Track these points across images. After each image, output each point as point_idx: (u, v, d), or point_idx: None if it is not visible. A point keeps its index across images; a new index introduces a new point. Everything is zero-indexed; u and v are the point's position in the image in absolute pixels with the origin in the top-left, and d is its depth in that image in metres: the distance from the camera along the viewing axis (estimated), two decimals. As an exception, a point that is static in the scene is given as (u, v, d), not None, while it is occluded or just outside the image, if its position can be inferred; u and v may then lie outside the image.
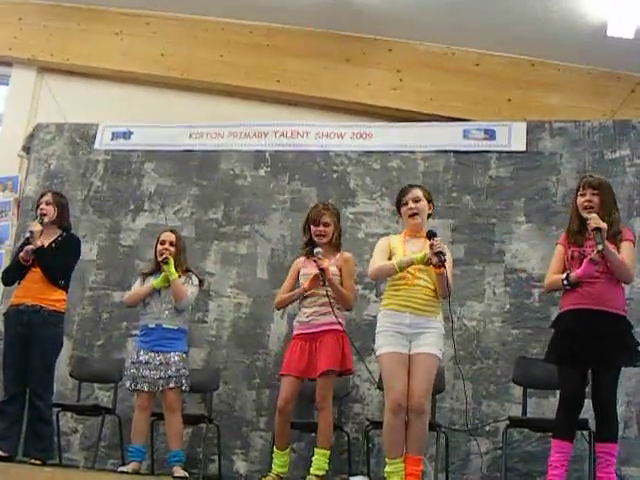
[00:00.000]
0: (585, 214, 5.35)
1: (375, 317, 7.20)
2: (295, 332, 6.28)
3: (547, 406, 6.77)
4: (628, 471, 6.50)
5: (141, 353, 6.71)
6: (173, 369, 6.60)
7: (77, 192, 8.48)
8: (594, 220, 5.18)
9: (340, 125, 8.33)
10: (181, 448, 6.67)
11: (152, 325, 6.74)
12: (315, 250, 6.07)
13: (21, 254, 6.60)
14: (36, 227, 6.63)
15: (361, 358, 6.52)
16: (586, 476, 6.19)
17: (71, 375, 7.61)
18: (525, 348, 7.07)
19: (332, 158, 8.12)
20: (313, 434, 6.98)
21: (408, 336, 5.37)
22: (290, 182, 8.13)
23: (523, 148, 7.72)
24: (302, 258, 6.45)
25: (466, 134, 7.93)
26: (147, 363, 6.63)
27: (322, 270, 5.99)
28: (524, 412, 6.52)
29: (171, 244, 6.89)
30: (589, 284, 5.25)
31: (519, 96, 8.41)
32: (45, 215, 6.72)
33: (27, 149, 8.93)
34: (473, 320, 7.31)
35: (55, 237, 6.75)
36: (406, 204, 5.63)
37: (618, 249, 5.26)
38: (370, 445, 6.86)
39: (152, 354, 6.65)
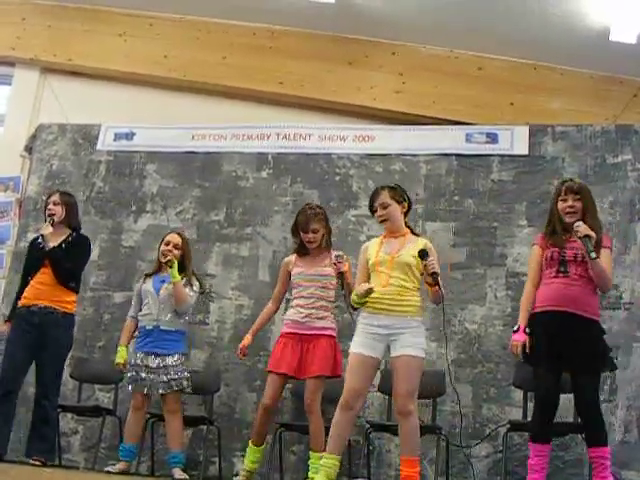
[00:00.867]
0: (567, 219, 5.37)
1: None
2: (286, 330, 6.29)
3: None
4: (628, 475, 6.49)
5: (140, 355, 6.72)
6: (172, 372, 6.61)
7: (79, 193, 8.45)
8: (583, 228, 5.19)
9: (342, 128, 8.33)
10: (181, 450, 6.68)
11: (150, 327, 6.75)
12: (335, 254, 6.11)
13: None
14: (47, 230, 6.62)
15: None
16: (586, 480, 6.21)
17: (72, 376, 7.59)
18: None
19: (334, 161, 8.12)
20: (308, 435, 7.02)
21: (382, 337, 5.33)
22: (292, 184, 8.13)
23: (525, 152, 7.72)
24: (291, 258, 6.49)
25: (468, 137, 7.93)
26: (146, 366, 6.65)
27: (341, 273, 6.01)
28: (524, 416, 6.52)
29: (175, 246, 6.89)
30: (566, 286, 5.27)
31: (521, 100, 8.42)
32: (54, 215, 6.70)
33: (29, 149, 8.93)
34: (474, 323, 7.32)
35: (65, 237, 6.71)
36: (376, 211, 5.62)
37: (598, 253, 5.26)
38: (371, 448, 6.86)
39: (151, 357, 6.67)
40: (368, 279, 5.51)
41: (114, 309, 7.96)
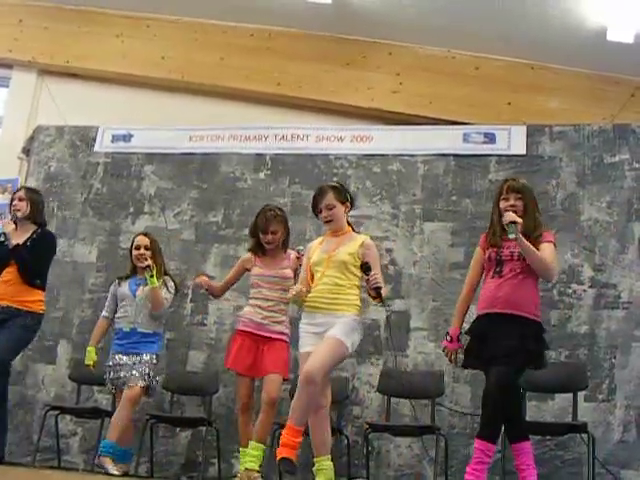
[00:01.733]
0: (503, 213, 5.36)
1: (374, 320, 7.28)
2: (242, 328, 6.31)
3: (546, 409, 6.79)
4: (627, 474, 6.50)
5: (116, 357, 6.70)
6: (143, 368, 6.59)
7: (77, 195, 8.48)
8: (510, 215, 5.16)
9: (340, 128, 8.34)
10: (116, 442, 6.41)
11: (127, 329, 6.73)
12: (298, 249, 6.14)
13: None
14: (9, 227, 6.63)
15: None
16: (584, 479, 6.20)
17: (70, 378, 7.60)
18: (524, 352, 7.08)
19: (332, 161, 8.12)
20: (309, 436, 7.02)
21: (319, 335, 5.27)
22: (290, 185, 8.13)
23: (523, 152, 7.72)
24: (250, 256, 6.49)
25: (466, 138, 7.94)
26: (122, 365, 6.63)
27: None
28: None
29: (146, 248, 6.87)
30: (498, 287, 5.25)
31: (519, 100, 8.42)
32: (18, 211, 6.71)
33: (27, 151, 8.93)
34: (472, 324, 7.31)
35: (30, 234, 6.70)
36: (321, 212, 5.54)
37: (538, 250, 5.24)
38: (370, 448, 6.85)
39: (126, 357, 6.65)
40: (312, 279, 5.49)
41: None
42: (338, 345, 5.16)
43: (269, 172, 8.23)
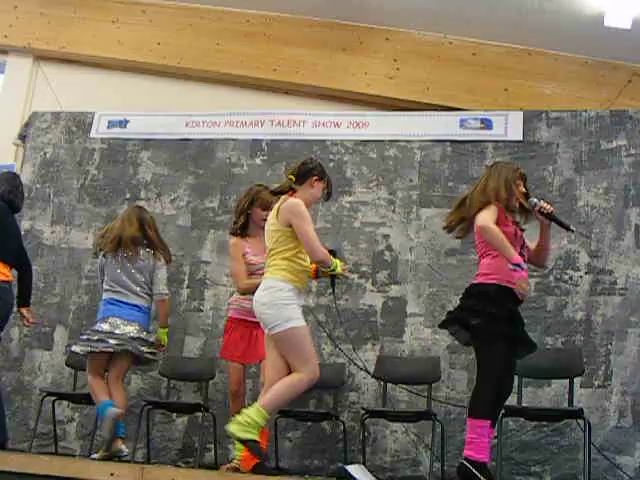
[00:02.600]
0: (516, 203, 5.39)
1: (371, 306, 7.28)
2: (235, 315, 6.37)
3: (542, 395, 6.80)
4: (623, 460, 6.52)
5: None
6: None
7: (73, 181, 8.47)
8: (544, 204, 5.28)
9: (336, 114, 8.33)
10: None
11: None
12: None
13: None
14: None
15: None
16: (580, 465, 6.20)
17: (67, 364, 7.60)
18: (521, 337, 7.08)
19: (328, 147, 8.12)
20: (309, 423, 7.03)
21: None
22: (287, 171, 8.11)
23: (520, 138, 7.73)
24: (238, 240, 6.46)
25: (463, 123, 7.94)
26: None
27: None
28: (519, 401, 6.52)
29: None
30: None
31: (516, 85, 8.39)
32: None
33: (23, 137, 8.92)
34: (469, 309, 7.32)
35: None
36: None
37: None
38: (366, 434, 6.87)
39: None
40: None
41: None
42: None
43: (265, 158, 8.23)
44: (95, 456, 6.45)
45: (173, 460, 7.29)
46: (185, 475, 5.85)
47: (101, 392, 6.48)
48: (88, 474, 5.33)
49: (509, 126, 7.80)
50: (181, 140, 8.46)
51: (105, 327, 6.55)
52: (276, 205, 5.50)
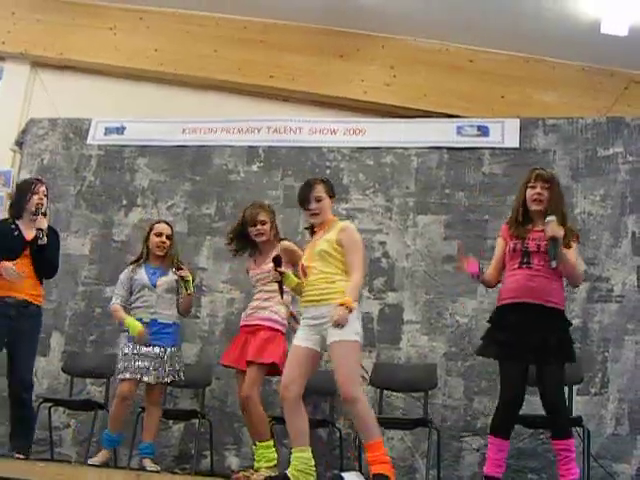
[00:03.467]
0: (533, 206, 5.32)
1: (367, 313, 7.27)
2: (240, 323, 6.38)
3: (538, 403, 6.76)
4: (619, 468, 6.52)
5: (133, 346, 6.60)
6: (169, 364, 6.58)
7: (70, 187, 8.47)
8: (552, 227, 5.11)
9: (333, 121, 8.35)
10: (153, 441, 6.59)
11: (147, 320, 6.64)
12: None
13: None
14: (44, 224, 6.48)
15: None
16: (579, 473, 6.19)
17: (63, 370, 7.60)
18: (517, 345, 7.08)
19: (325, 154, 8.13)
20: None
21: (316, 327, 5.21)
22: (283, 177, 8.13)
23: (516, 145, 7.74)
24: (248, 262, 6.50)
25: (459, 130, 7.95)
26: (142, 354, 6.53)
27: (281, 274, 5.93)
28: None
29: (168, 237, 6.86)
30: (530, 278, 5.20)
31: (513, 93, 8.41)
32: (42, 206, 6.59)
33: (20, 144, 8.92)
34: (465, 317, 7.32)
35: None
36: (309, 202, 5.48)
37: (568, 246, 5.23)
38: (362, 441, 6.86)
39: (146, 347, 6.57)
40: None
41: (105, 303, 7.88)
42: (348, 347, 5.12)
43: (262, 164, 8.24)
44: (92, 461, 6.46)
45: (169, 467, 7.27)
46: (181, 482, 5.86)
47: None
48: (84, 480, 5.34)
49: (506, 133, 7.80)
50: (178, 147, 8.47)
51: None
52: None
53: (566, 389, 6.33)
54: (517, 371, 5.19)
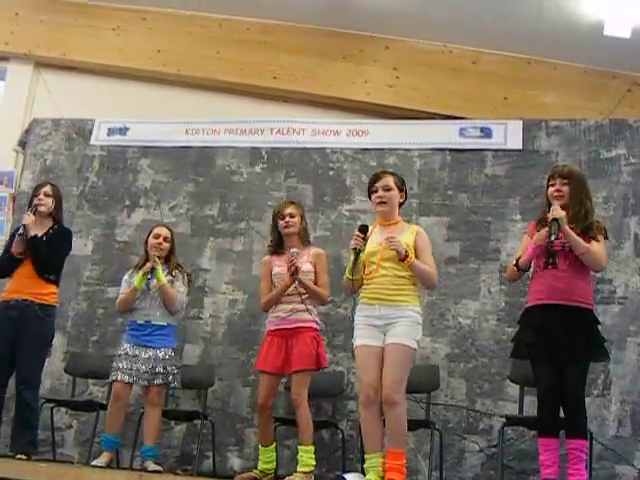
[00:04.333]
0: (555, 202, 5.33)
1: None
2: (271, 327, 6.26)
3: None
4: (622, 469, 6.51)
5: (129, 347, 6.65)
6: (161, 366, 6.58)
7: (73, 187, 8.47)
8: (555, 209, 5.17)
9: (336, 122, 8.34)
10: (154, 444, 6.60)
11: (141, 321, 6.69)
12: (291, 250, 6.10)
13: (13, 246, 6.55)
14: (29, 219, 6.54)
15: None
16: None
17: (66, 371, 7.60)
18: (520, 346, 7.08)
19: (328, 155, 8.13)
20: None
21: (380, 328, 5.25)
22: (286, 179, 8.13)
23: (519, 146, 7.73)
24: (268, 257, 6.45)
25: (462, 132, 7.94)
26: (135, 356, 6.58)
27: (296, 269, 6.01)
28: (520, 410, 6.52)
29: (165, 239, 6.85)
30: (556, 279, 5.21)
31: (515, 94, 8.41)
32: (43, 206, 6.64)
33: (23, 144, 8.92)
34: (468, 318, 7.32)
35: (47, 229, 6.66)
36: (376, 191, 5.52)
37: (589, 240, 5.22)
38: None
39: (141, 348, 6.61)
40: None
41: (108, 304, 7.92)
42: (406, 353, 5.20)
43: (265, 166, 8.24)
44: (96, 462, 6.46)
45: (171, 467, 7.27)
46: (183, 483, 5.86)
47: None
48: (86, 481, 5.33)
49: (508, 135, 7.80)
50: (181, 147, 8.47)
51: None
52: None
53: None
54: (548, 369, 5.22)
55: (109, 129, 8.72)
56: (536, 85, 8.40)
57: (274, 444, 6.26)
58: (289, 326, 6.13)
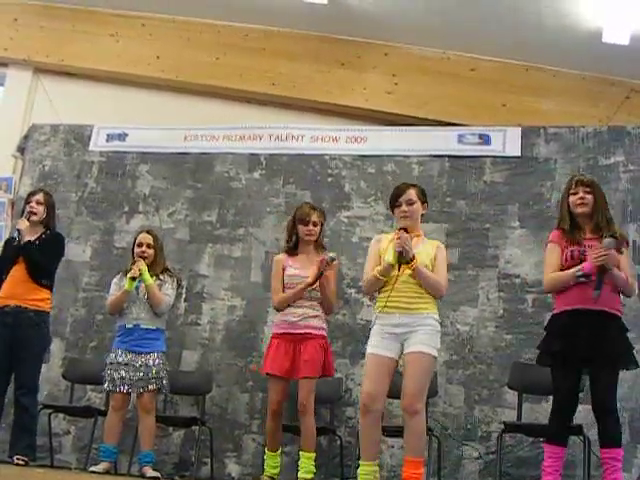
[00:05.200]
0: (579, 210, 5.27)
1: (368, 321, 7.25)
2: (279, 330, 6.23)
3: (540, 411, 6.78)
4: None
5: (119, 353, 6.67)
6: (153, 371, 6.59)
7: (71, 193, 8.47)
8: (605, 254, 5.05)
9: (335, 129, 8.35)
10: (151, 449, 6.60)
11: (130, 325, 6.71)
12: (329, 254, 6.08)
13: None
14: (23, 224, 6.62)
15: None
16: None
17: (64, 376, 7.60)
18: (518, 353, 7.07)
19: (327, 162, 8.13)
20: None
21: (399, 336, 5.23)
22: (285, 185, 8.13)
23: (518, 153, 7.74)
24: (282, 256, 6.41)
25: (461, 139, 7.95)
26: (126, 364, 6.61)
27: (321, 275, 6.02)
28: (519, 417, 6.51)
29: (148, 246, 6.88)
30: (585, 285, 5.16)
31: (514, 101, 8.41)
32: (35, 214, 6.70)
33: (22, 150, 8.92)
34: (466, 325, 7.31)
35: (39, 234, 6.70)
36: (400, 206, 5.48)
37: (619, 252, 5.17)
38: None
39: (131, 355, 6.63)
40: None
41: (106, 310, 7.92)
42: (426, 361, 5.20)
43: (263, 172, 8.24)
44: (94, 468, 6.47)
45: (169, 474, 7.26)
46: (181, 489, 5.85)
47: None
48: (84, 487, 5.33)
49: (507, 142, 7.81)
50: (179, 154, 8.47)
51: None
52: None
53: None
54: (569, 379, 5.21)
55: (108, 135, 8.72)
56: (535, 92, 8.41)
57: (280, 449, 6.25)
58: (299, 331, 6.11)
